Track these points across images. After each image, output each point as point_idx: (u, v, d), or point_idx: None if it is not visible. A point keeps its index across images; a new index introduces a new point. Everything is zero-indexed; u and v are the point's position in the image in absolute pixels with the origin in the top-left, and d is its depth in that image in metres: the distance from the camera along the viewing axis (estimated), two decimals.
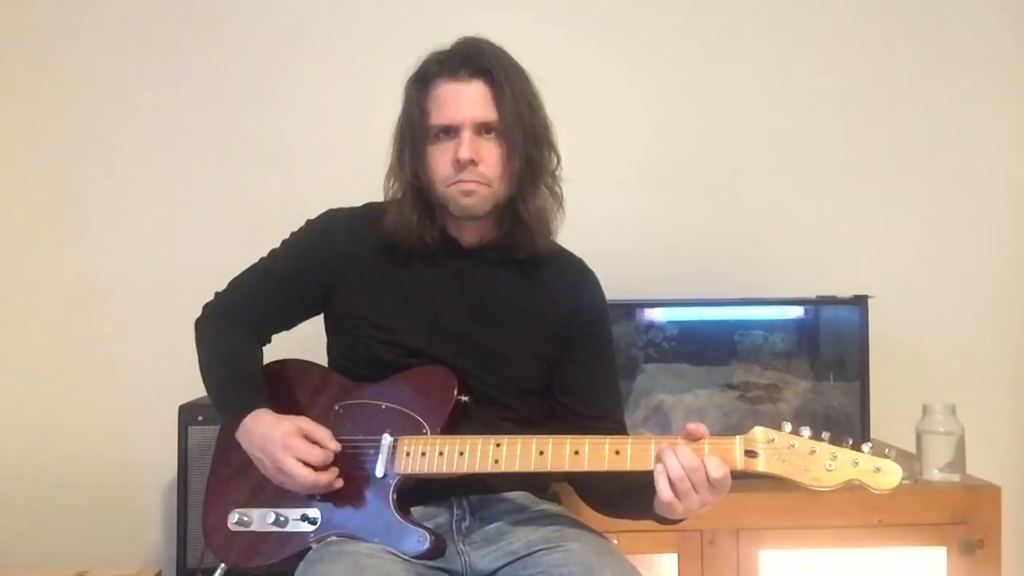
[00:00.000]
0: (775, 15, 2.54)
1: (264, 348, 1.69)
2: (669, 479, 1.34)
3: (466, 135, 1.52)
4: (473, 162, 1.52)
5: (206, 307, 1.70)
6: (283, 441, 1.48)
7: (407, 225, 1.58)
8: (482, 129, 1.53)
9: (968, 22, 2.56)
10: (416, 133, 1.57)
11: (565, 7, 2.51)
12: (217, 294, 1.70)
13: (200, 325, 1.68)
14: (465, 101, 1.53)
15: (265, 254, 1.70)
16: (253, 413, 1.54)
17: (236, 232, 2.40)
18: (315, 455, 1.48)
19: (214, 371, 1.62)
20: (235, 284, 1.70)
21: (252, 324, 1.66)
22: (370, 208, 1.67)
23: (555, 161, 1.62)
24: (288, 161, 2.47)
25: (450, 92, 1.54)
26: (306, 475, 1.47)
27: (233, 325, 1.65)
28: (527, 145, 1.55)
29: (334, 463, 1.51)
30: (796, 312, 2.24)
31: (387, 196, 1.64)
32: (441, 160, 1.55)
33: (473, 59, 1.54)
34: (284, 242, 1.70)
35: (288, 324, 1.71)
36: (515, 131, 1.53)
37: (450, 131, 1.54)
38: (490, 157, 1.54)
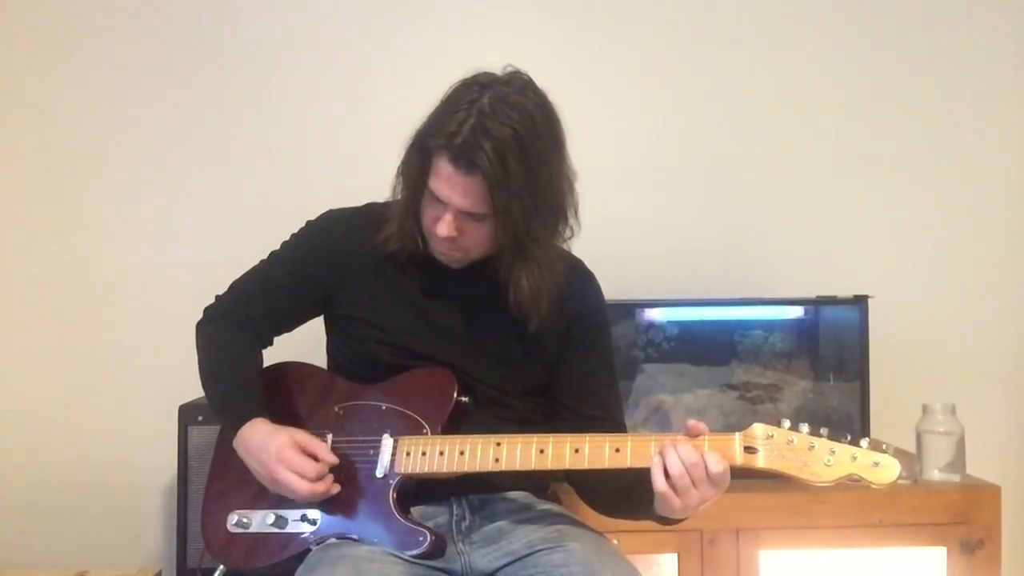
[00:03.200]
0: (775, 15, 2.54)
1: (265, 350, 1.69)
2: (668, 474, 1.34)
3: (449, 215, 1.48)
4: (452, 238, 1.50)
5: (206, 310, 1.70)
6: (278, 453, 1.48)
7: (407, 240, 1.58)
8: (470, 214, 1.49)
9: (968, 22, 2.56)
10: (413, 184, 1.53)
11: (565, 7, 2.51)
12: (217, 297, 1.70)
13: (200, 329, 1.68)
14: (457, 191, 1.46)
15: (265, 255, 1.70)
16: (250, 423, 1.53)
17: (236, 233, 2.40)
18: (310, 468, 1.48)
19: (213, 378, 1.62)
20: (235, 287, 1.70)
21: (253, 327, 1.66)
22: (371, 209, 1.67)
23: (564, 227, 1.57)
24: (288, 162, 2.47)
25: (446, 171, 1.46)
26: (302, 487, 1.47)
27: (233, 328, 1.65)
28: (519, 226, 1.49)
29: (331, 470, 1.51)
30: (796, 312, 2.24)
31: (394, 196, 1.61)
32: (428, 214, 1.53)
33: (474, 151, 1.44)
34: (284, 244, 1.70)
35: (289, 326, 1.70)
36: (506, 221, 1.48)
37: (440, 199, 1.49)
38: (472, 233, 1.51)
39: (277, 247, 1.70)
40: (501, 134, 1.44)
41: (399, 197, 1.59)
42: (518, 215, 1.47)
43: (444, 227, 1.48)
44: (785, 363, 2.19)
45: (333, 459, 1.51)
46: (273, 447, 1.48)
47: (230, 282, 1.71)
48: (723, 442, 1.36)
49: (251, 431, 1.53)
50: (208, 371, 1.63)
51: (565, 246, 1.64)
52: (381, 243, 1.60)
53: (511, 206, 1.46)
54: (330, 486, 1.50)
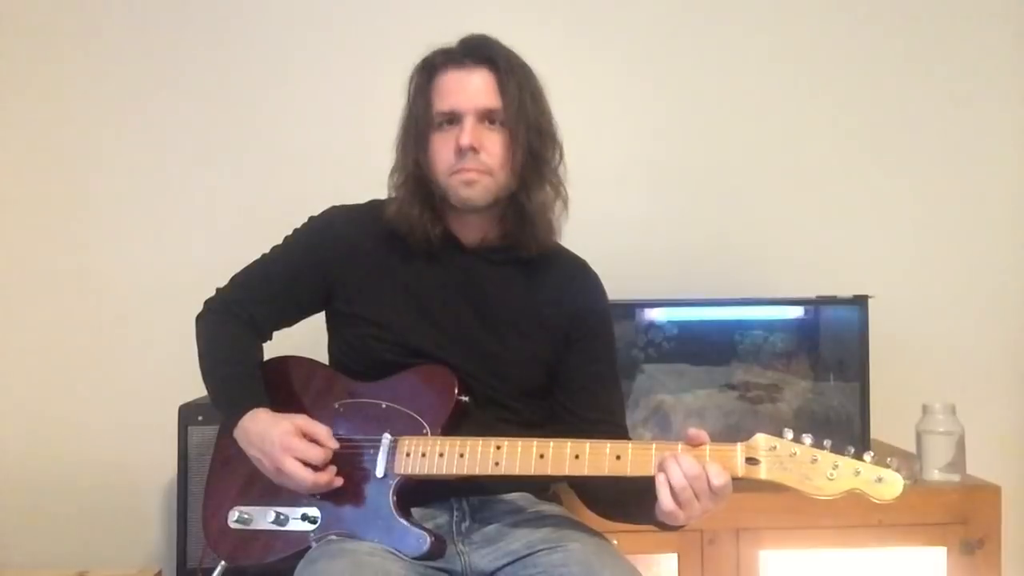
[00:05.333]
0: (775, 16, 2.54)
1: (265, 345, 1.69)
2: (671, 488, 1.33)
3: (469, 122, 1.52)
4: (474, 149, 1.52)
5: (207, 303, 1.69)
6: (281, 441, 1.47)
7: (408, 218, 1.58)
8: (485, 118, 1.54)
9: (967, 22, 2.56)
10: (420, 122, 1.57)
11: (565, 7, 2.51)
12: (218, 289, 1.70)
13: (200, 321, 1.68)
14: (469, 88, 1.53)
15: (266, 251, 1.70)
16: (250, 413, 1.53)
17: (236, 231, 2.40)
18: (314, 454, 1.48)
19: (213, 369, 1.62)
20: (236, 280, 1.69)
21: (253, 320, 1.65)
22: (373, 206, 1.67)
23: (558, 156, 1.62)
24: (289, 160, 2.47)
25: (454, 79, 1.54)
26: (306, 476, 1.46)
27: (233, 321, 1.65)
28: (530, 136, 1.55)
29: (333, 461, 1.50)
30: (796, 312, 2.23)
31: (391, 193, 1.63)
32: (443, 149, 1.55)
33: (478, 49, 1.55)
34: (286, 238, 1.70)
35: (289, 320, 1.70)
36: (518, 121, 1.54)
37: (453, 119, 1.54)
38: (492, 146, 1.54)
39: (279, 242, 1.70)
40: (497, 41, 1.58)
41: (397, 189, 1.61)
42: (528, 116, 1.54)
43: (467, 136, 1.52)
44: (785, 363, 2.18)
45: (335, 444, 1.50)
46: (276, 435, 1.48)
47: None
48: (724, 453, 1.35)
49: (252, 421, 1.52)
50: (208, 364, 1.62)
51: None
52: (389, 232, 1.60)
53: (519, 100, 1.53)
54: (333, 477, 1.49)
